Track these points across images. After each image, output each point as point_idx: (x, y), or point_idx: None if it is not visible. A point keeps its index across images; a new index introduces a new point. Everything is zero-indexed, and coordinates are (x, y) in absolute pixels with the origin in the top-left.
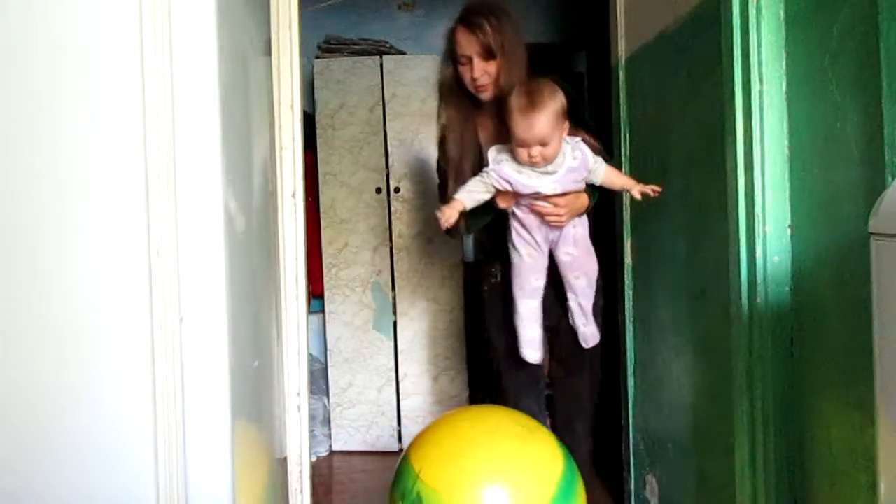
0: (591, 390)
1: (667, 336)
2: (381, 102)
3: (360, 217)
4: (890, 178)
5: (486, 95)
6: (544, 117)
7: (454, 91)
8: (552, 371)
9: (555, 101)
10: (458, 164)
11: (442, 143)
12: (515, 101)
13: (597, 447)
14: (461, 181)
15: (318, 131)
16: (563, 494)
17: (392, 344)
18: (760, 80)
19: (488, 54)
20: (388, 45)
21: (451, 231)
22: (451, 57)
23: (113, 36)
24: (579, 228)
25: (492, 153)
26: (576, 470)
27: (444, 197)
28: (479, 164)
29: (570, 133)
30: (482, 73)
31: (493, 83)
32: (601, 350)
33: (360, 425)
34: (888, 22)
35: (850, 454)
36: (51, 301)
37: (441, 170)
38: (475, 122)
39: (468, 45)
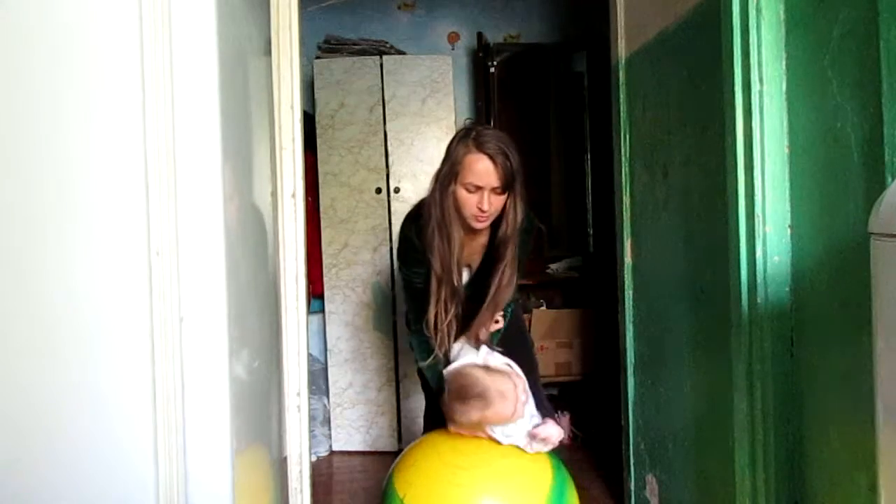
0: None
1: (667, 336)
2: (381, 102)
3: (360, 217)
4: (890, 178)
5: (480, 226)
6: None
7: (456, 214)
8: None
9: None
10: (454, 283)
11: (419, 257)
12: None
13: (597, 447)
14: (452, 299)
15: (318, 131)
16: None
17: (392, 344)
18: (760, 80)
19: (504, 189)
20: (388, 45)
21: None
22: (454, 179)
23: (113, 36)
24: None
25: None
26: (567, 477)
27: (420, 314)
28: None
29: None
30: (490, 206)
31: (494, 215)
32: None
33: (360, 425)
34: (888, 22)
35: (850, 454)
36: (51, 301)
37: (413, 283)
38: (461, 242)
39: (486, 176)
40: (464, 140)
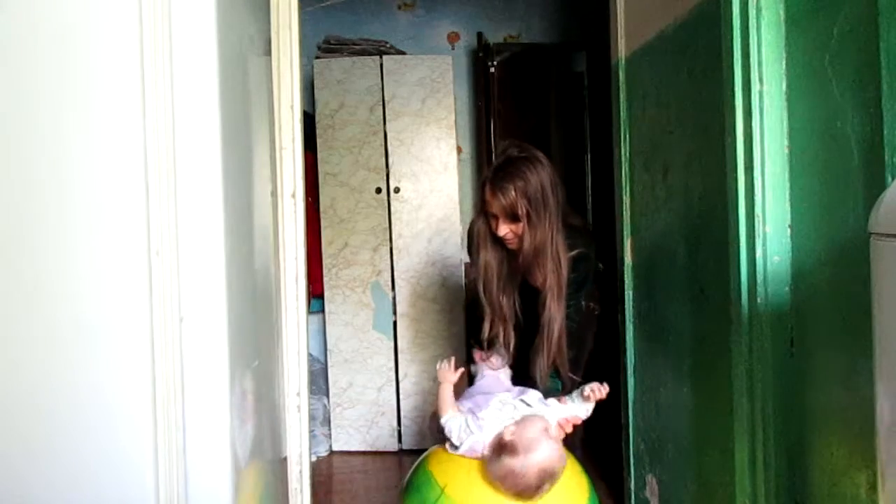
0: None
1: (667, 336)
2: (381, 102)
3: (360, 217)
4: (890, 178)
5: (512, 247)
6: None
7: (487, 237)
8: None
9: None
10: (499, 301)
11: (482, 284)
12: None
13: (597, 447)
14: (500, 315)
15: (318, 131)
16: None
17: (392, 344)
18: (760, 80)
19: (512, 218)
20: (388, 45)
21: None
22: (482, 208)
23: (113, 36)
24: None
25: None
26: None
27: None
28: (518, 296)
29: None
30: (507, 232)
31: (518, 239)
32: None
33: (360, 425)
34: (888, 22)
35: (850, 454)
36: (52, 301)
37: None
38: (508, 261)
39: (493, 205)
40: (489, 166)
